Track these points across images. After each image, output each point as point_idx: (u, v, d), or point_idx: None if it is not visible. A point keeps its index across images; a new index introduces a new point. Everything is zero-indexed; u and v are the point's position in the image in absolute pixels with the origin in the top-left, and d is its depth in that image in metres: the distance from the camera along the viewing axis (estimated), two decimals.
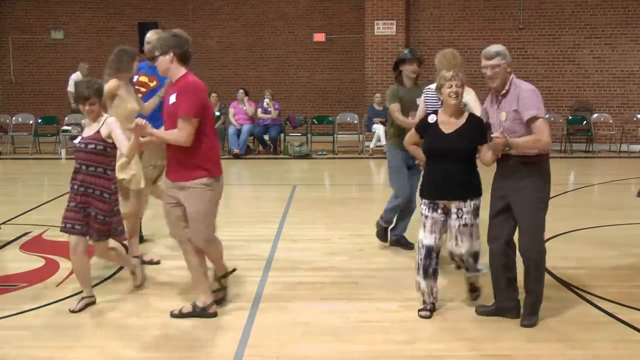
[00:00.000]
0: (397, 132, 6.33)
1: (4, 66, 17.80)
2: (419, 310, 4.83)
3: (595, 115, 15.21)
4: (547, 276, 5.56)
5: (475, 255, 4.80)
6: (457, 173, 4.68)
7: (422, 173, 6.21)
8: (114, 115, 5.10)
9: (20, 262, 6.24)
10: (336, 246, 6.79)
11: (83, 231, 4.86)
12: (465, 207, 4.68)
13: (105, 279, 5.69)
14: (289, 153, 14.44)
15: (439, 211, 4.73)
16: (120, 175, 5.46)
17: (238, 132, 14.36)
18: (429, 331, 4.56)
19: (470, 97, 5.39)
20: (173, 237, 4.96)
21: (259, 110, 14.84)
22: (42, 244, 6.89)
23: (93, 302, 5.05)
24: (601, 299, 5.11)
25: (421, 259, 4.77)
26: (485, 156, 4.63)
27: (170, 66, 4.65)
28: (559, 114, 15.38)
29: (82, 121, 5.51)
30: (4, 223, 7.66)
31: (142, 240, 6.54)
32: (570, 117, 15.25)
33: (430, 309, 4.82)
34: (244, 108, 14.62)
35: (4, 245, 6.79)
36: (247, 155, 14.48)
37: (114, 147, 4.87)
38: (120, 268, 5.82)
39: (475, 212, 4.74)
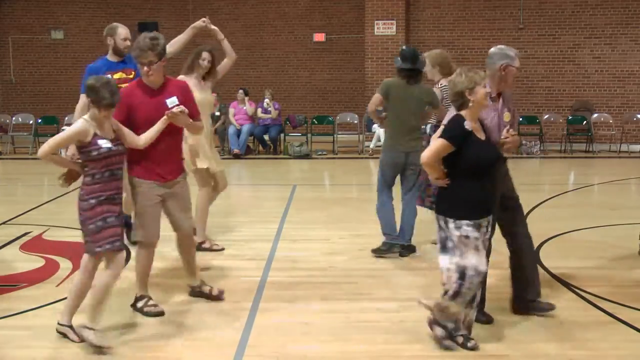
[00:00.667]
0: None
1: (4, 66, 17.81)
2: (452, 338, 4.26)
3: (595, 115, 15.20)
4: (547, 276, 5.58)
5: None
6: (494, 184, 4.33)
7: (420, 181, 6.16)
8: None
9: (20, 262, 6.24)
10: (336, 246, 6.79)
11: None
12: (490, 219, 4.27)
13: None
14: (289, 153, 14.44)
15: (482, 229, 4.16)
16: (201, 164, 6.16)
17: (238, 132, 14.36)
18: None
19: None
20: (151, 239, 4.82)
21: (259, 110, 14.85)
22: (42, 244, 6.89)
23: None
24: (601, 299, 5.10)
25: (470, 287, 4.10)
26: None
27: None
28: (559, 114, 15.39)
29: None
30: (4, 223, 7.66)
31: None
32: (570, 117, 15.24)
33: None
34: (244, 108, 14.63)
35: (4, 245, 6.79)
36: (247, 155, 14.49)
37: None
38: None
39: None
